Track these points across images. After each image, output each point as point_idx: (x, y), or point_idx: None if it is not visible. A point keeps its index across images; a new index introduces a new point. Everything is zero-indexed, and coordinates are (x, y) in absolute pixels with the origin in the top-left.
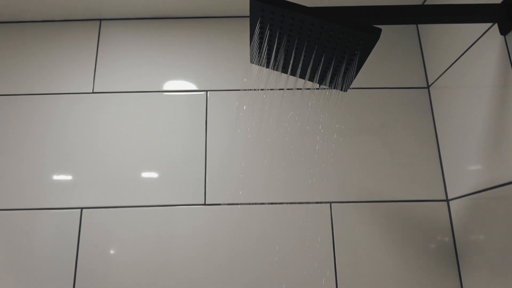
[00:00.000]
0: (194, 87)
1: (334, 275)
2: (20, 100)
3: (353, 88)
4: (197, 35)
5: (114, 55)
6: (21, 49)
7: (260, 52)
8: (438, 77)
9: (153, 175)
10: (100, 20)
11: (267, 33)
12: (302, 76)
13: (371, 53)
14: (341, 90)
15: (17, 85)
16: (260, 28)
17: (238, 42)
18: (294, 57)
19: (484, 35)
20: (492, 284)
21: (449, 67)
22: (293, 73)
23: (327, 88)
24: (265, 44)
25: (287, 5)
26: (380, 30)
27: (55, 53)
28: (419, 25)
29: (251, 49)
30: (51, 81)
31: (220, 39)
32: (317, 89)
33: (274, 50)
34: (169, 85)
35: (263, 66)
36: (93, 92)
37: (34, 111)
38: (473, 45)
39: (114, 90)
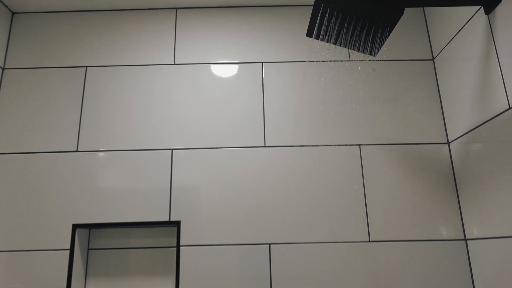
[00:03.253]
0: (252, 59)
1: (364, 199)
2: (120, 69)
3: (375, 60)
4: (254, 20)
5: (189, 36)
6: (115, 29)
7: (319, 27)
8: (441, 51)
9: (224, 125)
10: (176, 8)
11: (327, 12)
12: (349, 46)
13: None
14: (374, 55)
15: (115, 58)
16: (323, 8)
17: (286, 24)
18: (345, 30)
19: (475, 15)
20: (486, 204)
21: (449, 42)
22: (343, 44)
23: (366, 57)
24: (325, 21)
25: None
26: (403, 9)
27: (143, 34)
28: (425, 8)
29: (311, 25)
30: (144, 54)
31: (272, 24)
32: (352, 60)
33: (332, 25)
34: (233, 58)
35: (319, 39)
36: (174, 64)
37: (131, 78)
38: (467, 24)
39: (190, 62)
